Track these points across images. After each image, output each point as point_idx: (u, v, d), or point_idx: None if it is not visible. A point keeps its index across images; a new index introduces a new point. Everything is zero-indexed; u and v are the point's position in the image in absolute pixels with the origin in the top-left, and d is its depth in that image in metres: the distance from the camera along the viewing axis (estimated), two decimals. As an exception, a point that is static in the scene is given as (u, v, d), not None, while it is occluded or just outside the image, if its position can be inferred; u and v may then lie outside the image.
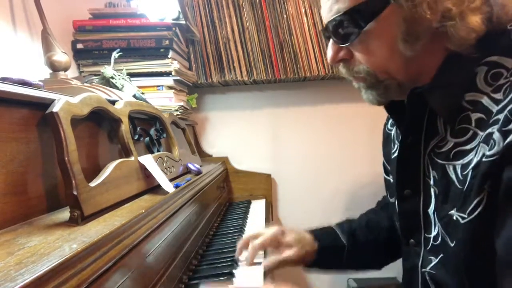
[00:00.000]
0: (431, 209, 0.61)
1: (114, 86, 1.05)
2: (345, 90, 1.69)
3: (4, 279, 0.29)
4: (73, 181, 0.47)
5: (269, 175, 1.71)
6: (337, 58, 0.62)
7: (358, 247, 0.86)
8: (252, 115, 1.77)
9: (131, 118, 0.76)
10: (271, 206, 1.66)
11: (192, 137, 1.41)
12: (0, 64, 0.95)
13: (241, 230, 1.09)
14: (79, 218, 0.46)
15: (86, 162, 0.61)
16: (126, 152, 0.68)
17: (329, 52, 0.62)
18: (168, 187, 0.72)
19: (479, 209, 0.49)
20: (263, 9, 1.58)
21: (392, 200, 0.77)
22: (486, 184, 0.48)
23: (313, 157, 1.77)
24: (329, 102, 1.75)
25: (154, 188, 0.72)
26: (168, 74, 1.38)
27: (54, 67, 0.93)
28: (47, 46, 0.95)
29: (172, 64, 1.37)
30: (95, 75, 1.13)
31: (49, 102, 0.50)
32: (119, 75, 1.09)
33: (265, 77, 1.59)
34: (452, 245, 0.55)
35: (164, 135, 0.97)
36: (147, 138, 0.85)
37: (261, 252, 0.84)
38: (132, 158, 0.67)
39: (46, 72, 0.95)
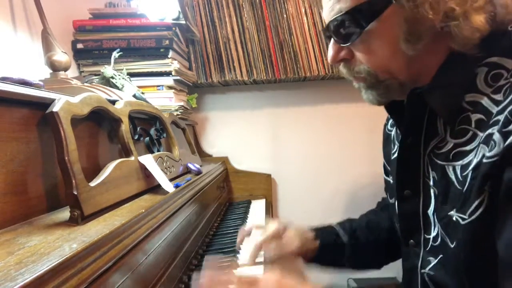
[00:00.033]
0: (430, 210, 0.61)
1: (114, 86, 1.05)
2: (345, 90, 1.69)
3: (4, 278, 0.29)
4: (73, 181, 0.47)
5: (269, 175, 1.71)
6: (338, 58, 0.62)
7: (358, 247, 0.86)
8: (252, 115, 1.77)
9: (131, 118, 0.76)
10: (271, 206, 1.66)
11: (192, 137, 1.41)
12: (0, 64, 0.96)
13: (241, 230, 1.09)
14: (79, 218, 0.46)
15: (86, 162, 0.61)
16: (126, 152, 0.68)
17: (330, 52, 0.62)
18: (168, 187, 0.72)
19: (479, 210, 0.49)
20: (263, 9, 1.58)
21: (392, 201, 0.77)
22: (487, 185, 0.48)
23: (313, 157, 1.77)
24: (329, 102, 1.75)
25: (154, 188, 0.72)
26: (168, 74, 1.38)
27: (54, 67, 0.93)
28: (47, 46, 0.95)
29: (172, 64, 1.37)
30: (95, 75, 1.13)
31: (49, 102, 0.50)
32: (119, 75, 1.09)
33: (265, 77, 1.59)
34: (452, 246, 0.55)
35: (164, 135, 0.97)
36: (147, 138, 0.85)
37: (262, 252, 0.85)
38: (132, 158, 0.67)
39: (46, 72, 0.95)
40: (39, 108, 0.50)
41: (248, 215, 1.33)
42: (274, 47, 1.58)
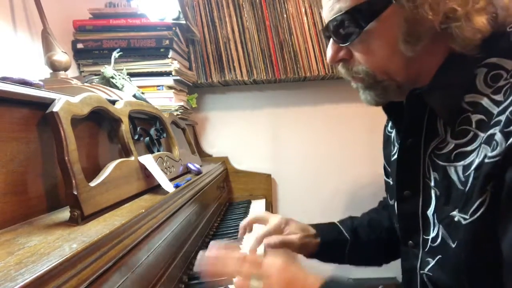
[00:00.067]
0: (430, 211, 0.61)
1: (114, 86, 1.05)
2: (345, 90, 1.69)
3: (4, 279, 0.29)
4: (73, 181, 0.47)
5: (269, 175, 1.71)
6: (337, 58, 0.62)
7: (359, 245, 0.86)
8: (252, 115, 1.77)
9: (131, 118, 0.76)
10: (271, 206, 1.66)
11: (192, 137, 1.41)
12: (0, 64, 0.96)
13: (241, 230, 1.09)
14: (79, 218, 0.46)
15: (86, 162, 0.61)
16: (126, 152, 0.68)
17: (329, 51, 0.62)
18: (168, 187, 0.73)
19: (481, 210, 0.49)
20: (263, 9, 1.58)
21: (391, 202, 0.77)
22: (489, 185, 0.48)
23: (313, 157, 1.77)
24: (329, 102, 1.75)
25: (154, 188, 0.72)
26: (168, 74, 1.38)
27: (54, 67, 0.93)
28: (47, 45, 0.95)
29: (172, 64, 1.37)
30: (95, 75, 1.13)
31: (49, 102, 0.50)
32: (119, 75, 1.09)
33: (265, 77, 1.59)
34: (453, 246, 0.55)
35: (164, 135, 0.97)
36: (147, 138, 0.85)
37: (262, 245, 0.85)
38: (132, 158, 0.67)
39: (46, 72, 0.95)
40: (39, 108, 0.50)
41: (248, 215, 1.32)
42: (274, 47, 1.58)
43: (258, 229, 0.84)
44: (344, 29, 0.57)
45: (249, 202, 1.56)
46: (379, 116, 0.77)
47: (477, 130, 0.52)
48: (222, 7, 1.58)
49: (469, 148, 0.53)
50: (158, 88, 1.38)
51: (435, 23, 0.51)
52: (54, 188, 0.53)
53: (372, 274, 1.50)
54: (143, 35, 1.36)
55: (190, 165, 1.05)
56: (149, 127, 0.91)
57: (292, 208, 1.77)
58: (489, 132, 0.49)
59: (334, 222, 0.91)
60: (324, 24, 0.61)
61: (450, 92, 0.55)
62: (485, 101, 0.52)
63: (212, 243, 0.63)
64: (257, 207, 1.49)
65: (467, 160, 0.53)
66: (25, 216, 0.47)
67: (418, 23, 0.52)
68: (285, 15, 1.58)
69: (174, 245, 0.71)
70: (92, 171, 0.58)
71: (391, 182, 0.77)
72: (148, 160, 0.71)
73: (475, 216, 0.50)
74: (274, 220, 0.85)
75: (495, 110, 0.50)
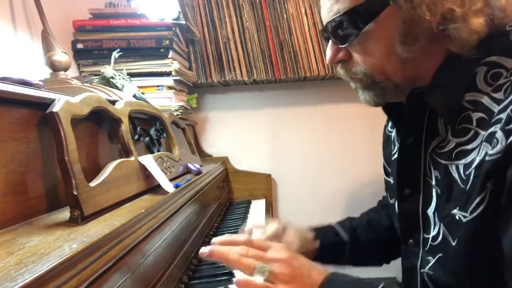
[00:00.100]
0: (430, 209, 0.61)
1: (114, 86, 1.05)
2: (345, 90, 1.68)
3: (4, 279, 0.29)
4: (73, 181, 0.47)
5: (269, 175, 1.71)
6: (336, 59, 0.63)
7: (358, 246, 0.86)
8: (252, 115, 1.77)
9: (131, 118, 0.76)
10: (271, 206, 1.66)
11: (192, 137, 1.41)
12: (0, 64, 0.96)
13: (241, 230, 1.09)
14: (79, 218, 0.46)
15: (86, 162, 0.61)
16: (126, 152, 0.68)
17: (328, 52, 0.63)
18: (168, 187, 0.72)
19: (481, 208, 0.49)
20: (263, 9, 1.58)
21: (391, 201, 0.77)
22: (489, 182, 0.48)
23: (313, 157, 1.77)
24: (329, 102, 1.75)
25: (154, 188, 0.72)
26: (168, 74, 1.38)
27: (54, 67, 0.93)
28: (47, 46, 0.95)
29: (172, 64, 1.37)
30: (95, 75, 1.13)
31: (49, 102, 0.50)
32: (119, 75, 1.09)
33: (265, 77, 1.59)
34: (453, 244, 0.55)
35: (164, 135, 0.97)
36: (147, 138, 0.85)
37: None
38: (132, 158, 0.67)
39: (46, 72, 0.95)
40: (39, 108, 0.50)
41: (248, 215, 1.33)
42: (274, 47, 1.58)
43: (256, 236, 0.83)
44: (343, 30, 0.58)
45: (249, 202, 1.56)
46: (379, 116, 0.77)
47: (477, 128, 0.52)
48: (222, 7, 1.58)
49: (470, 147, 0.53)
50: (158, 88, 1.38)
51: (432, 24, 0.51)
52: (54, 188, 0.53)
53: (372, 274, 1.49)
54: (143, 35, 1.36)
55: (190, 165, 1.05)
56: (149, 127, 0.91)
57: (292, 208, 1.77)
58: (489, 130, 0.49)
59: (332, 224, 0.91)
60: (323, 25, 0.62)
61: (450, 91, 0.55)
62: (486, 100, 0.52)
63: (214, 239, 0.63)
64: (257, 207, 1.49)
65: (468, 158, 0.53)
66: (25, 216, 0.47)
67: (415, 24, 0.52)
68: (285, 15, 1.58)
69: (174, 245, 0.71)
70: (92, 171, 0.58)
71: (391, 181, 0.77)
72: (148, 160, 0.71)
73: (475, 214, 0.50)
74: (271, 226, 0.83)
75: (496, 108, 0.50)
